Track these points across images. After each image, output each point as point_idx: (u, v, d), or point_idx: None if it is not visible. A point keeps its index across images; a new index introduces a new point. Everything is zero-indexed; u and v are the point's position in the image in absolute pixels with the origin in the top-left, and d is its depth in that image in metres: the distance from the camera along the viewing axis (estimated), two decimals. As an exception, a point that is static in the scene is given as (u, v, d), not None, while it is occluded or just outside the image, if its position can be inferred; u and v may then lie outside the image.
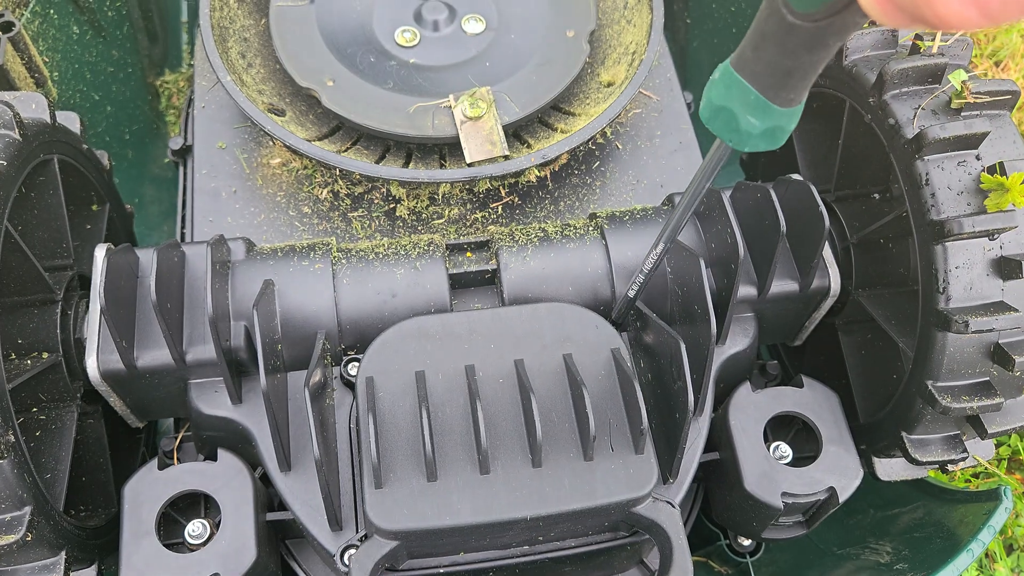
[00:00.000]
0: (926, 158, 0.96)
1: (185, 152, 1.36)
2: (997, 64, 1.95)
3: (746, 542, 1.26)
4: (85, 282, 1.13)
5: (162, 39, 1.66)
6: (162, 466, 1.01)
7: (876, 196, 1.17)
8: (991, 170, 0.94)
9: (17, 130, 0.95)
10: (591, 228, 1.10)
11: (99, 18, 1.43)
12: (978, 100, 0.97)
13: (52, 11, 1.32)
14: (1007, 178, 0.92)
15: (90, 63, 1.42)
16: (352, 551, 0.94)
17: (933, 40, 1.04)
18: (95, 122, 1.43)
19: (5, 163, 0.91)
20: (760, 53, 0.53)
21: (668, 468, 0.97)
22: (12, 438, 0.85)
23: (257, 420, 1.01)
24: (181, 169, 1.36)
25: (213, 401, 1.02)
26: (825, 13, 0.46)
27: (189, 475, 1.00)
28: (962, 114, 0.97)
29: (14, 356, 1.00)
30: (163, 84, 1.63)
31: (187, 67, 1.68)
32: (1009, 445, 1.50)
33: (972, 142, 0.95)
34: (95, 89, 1.43)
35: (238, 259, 1.05)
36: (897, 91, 1.00)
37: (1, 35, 1.15)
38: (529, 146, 1.18)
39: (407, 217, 1.17)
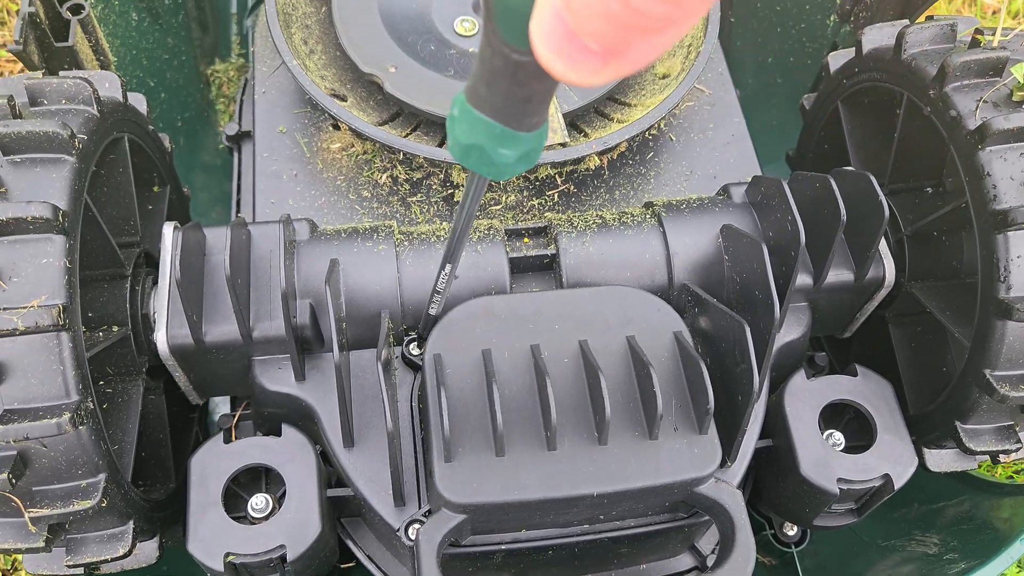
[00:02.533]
0: (988, 149, 0.97)
1: (240, 138, 1.38)
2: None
3: (791, 531, 1.27)
4: (151, 260, 1.15)
5: (213, 29, 1.68)
6: (227, 440, 1.02)
7: (929, 190, 1.18)
8: (1054, 162, 0.95)
9: (96, 106, 0.97)
10: (648, 216, 1.11)
11: (157, 6, 1.46)
12: (1041, 93, 0.98)
13: (115, -2, 1.35)
14: (1070, 169, 0.93)
15: (147, 49, 1.44)
16: (416, 525, 0.96)
17: (993, 35, 1.05)
18: (150, 108, 1.45)
19: (86, 138, 0.93)
20: (494, 89, 0.52)
21: (727, 451, 0.99)
22: (91, 405, 0.87)
23: (320, 397, 1.03)
24: (236, 155, 1.38)
25: (277, 378, 1.04)
26: None
27: (255, 449, 1.01)
28: (1024, 106, 0.99)
29: (84, 329, 1.02)
30: (213, 73, 1.65)
31: (236, 57, 1.70)
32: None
33: (1036, 134, 0.96)
34: (151, 75, 1.45)
35: (303, 239, 1.07)
36: (959, 83, 1.01)
37: (71, 16, 1.17)
38: (586, 135, 1.20)
39: (465, 203, 1.18)
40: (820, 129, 1.34)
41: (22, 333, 0.81)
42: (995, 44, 1.04)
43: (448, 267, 0.89)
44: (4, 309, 0.82)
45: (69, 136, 0.89)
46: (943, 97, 1.02)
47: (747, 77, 1.69)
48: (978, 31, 1.06)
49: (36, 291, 0.84)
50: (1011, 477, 1.46)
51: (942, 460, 1.13)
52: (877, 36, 1.17)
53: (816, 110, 1.34)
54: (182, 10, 1.54)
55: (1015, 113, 0.97)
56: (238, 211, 1.34)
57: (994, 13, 2.05)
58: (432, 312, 0.98)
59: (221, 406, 1.45)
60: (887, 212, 1.01)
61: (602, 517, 0.96)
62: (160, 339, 0.99)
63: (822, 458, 1.04)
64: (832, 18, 1.44)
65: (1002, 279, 0.96)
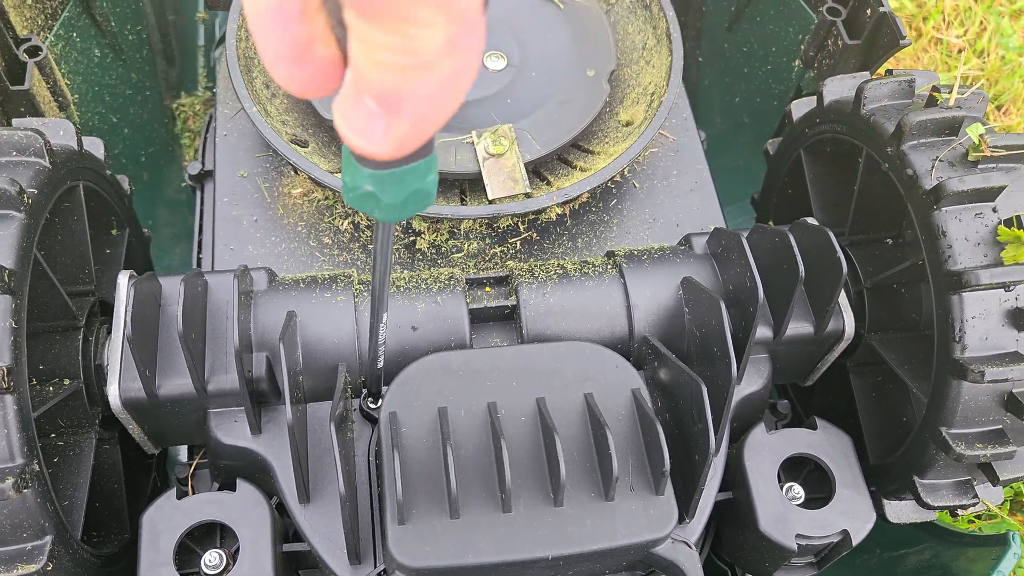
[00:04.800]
0: (944, 209, 0.98)
1: (203, 177, 1.36)
2: (999, 108, 1.99)
3: (753, 581, 1.27)
4: (106, 308, 1.13)
5: (179, 62, 1.67)
6: (180, 495, 1.01)
7: (889, 241, 1.19)
8: (1008, 223, 0.96)
9: (48, 158, 0.96)
10: (609, 266, 1.11)
11: (120, 41, 1.44)
12: (995, 153, 0.99)
13: (75, 34, 1.33)
14: (1022, 232, 0.94)
15: (109, 86, 1.42)
16: (371, 586, 0.95)
17: (950, 92, 1.06)
18: (112, 144, 1.44)
19: (36, 191, 0.92)
20: None
21: (684, 508, 0.98)
22: (37, 467, 0.85)
23: (276, 451, 1.02)
24: (198, 194, 1.36)
25: (232, 431, 1.03)
26: None
27: (208, 505, 1.00)
28: (979, 167, 0.99)
29: (35, 382, 1.00)
30: (179, 107, 1.63)
31: (203, 90, 1.69)
32: (1012, 487, 1.51)
33: (990, 195, 0.97)
34: (113, 112, 1.44)
35: (260, 289, 1.06)
36: (915, 142, 1.02)
37: (28, 59, 1.16)
38: (549, 183, 1.19)
39: (427, 250, 1.18)
40: (784, 175, 1.35)
41: (-36, 397, 0.80)
42: (952, 102, 1.04)
43: (383, 317, 0.88)
44: (-54, 373, 0.80)
45: (17, 192, 0.88)
46: (900, 155, 1.03)
47: (714, 116, 1.70)
48: (935, 88, 1.07)
49: (-21, 353, 0.82)
50: (972, 522, 1.47)
51: (901, 512, 1.14)
52: (838, 88, 1.18)
53: (779, 156, 1.35)
54: (146, 45, 1.52)
55: (970, 175, 0.97)
56: (199, 251, 1.33)
57: (959, 52, 2.07)
58: (379, 367, 0.97)
59: (182, 449, 1.43)
60: (845, 269, 1.01)
61: (558, 577, 0.96)
62: (112, 393, 0.97)
63: (781, 514, 1.04)
64: (797, 63, 1.45)
65: (957, 339, 0.97)
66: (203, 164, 1.37)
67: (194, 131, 1.62)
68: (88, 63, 1.37)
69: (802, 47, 1.43)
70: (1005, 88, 1.98)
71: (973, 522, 1.50)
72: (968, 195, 0.97)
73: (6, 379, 0.81)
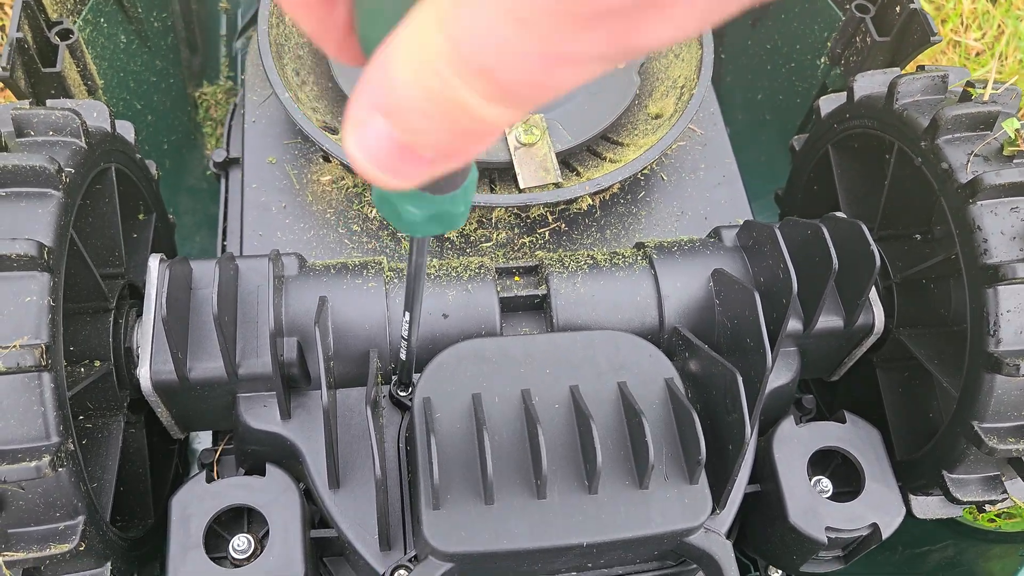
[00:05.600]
0: (979, 203, 0.98)
1: (227, 165, 1.36)
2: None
3: (776, 574, 1.27)
4: (134, 291, 1.13)
5: (202, 50, 1.67)
6: (209, 479, 1.00)
7: (918, 237, 1.19)
8: (1044, 217, 0.96)
9: (84, 138, 0.96)
10: (640, 257, 1.11)
11: (146, 28, 1.44)
12: (1031, 148, 0.99)
13: (103, 20, 1.33)
14: (1060, 226, 0.94)
15: (135, 72, 1.42)
16: (403, 571, 0.94)
17: (984, 88, 1.06)
18: (136, 131, 1.43)
19: (73, 171, 0.92)
20: None
21: (716, 498, 0.98)
22: (72, 446, 0.85)
23: (305, 436, 1.01)
24: (223, 182, 1.36)
25: (262, 415, 1.02)
26: None
27: (237, 489, 0.99)
28: (1015, 161, 0.99)
29: (67, 363, 0.99)
30: (201, 96, 1.63)
31: (224, 79, 1.68)
32: (1030, 487, 1.51)
33: (1025, 189, 0.97)
34: (138, 98, 1.43)
35: (291, 274, 1.06)
36: (950, 136, 1.02)
37: (60, 42, 1.15)
38: (579, 174, 1.19)
39: (455, 239, 1.17)
40: (810, 171, 1.35)
41: (3, 373, 0.79)
42: (986, 97, 1.04)
43: (408, 315, 0.87)
44: (-15, 348, 0.80)
45: (56, 170, 0.87)
46: (934, 149, 1.03)
47: (736, 113, 1.70)
48: (969, 83, 1.07)
49: (19, 330, 0.81)
50: (992, 520, 1.46)
51: (928, 507, 1.13)
52: (868, 83, 1.18)
53: (806, 152, 1.35)
54: (171, 32, 1.52)
55: (1006, 168, 0.97)
56: (224, 239, 1.32)
57: (977, 55, 2.07)
58: (403, 357, 0.96)
59: (202, 436, 1.43)
60: (878, 262, 1.01)
61: (590, 565, 0.95)
62: (143, 375, 0.97)
63: (810, 506, 1.03)
64: (823, 60, 1.45)
65: (991, 332, 0.97)
66: (228, 152, 1.37)
67: (216, 120, 1.62)
68: (115, 49, 1.36)
69: (828, 44, 1.43)
70: None
71: (994, 520, 1.49)
72: (1004, 189, 0.96)
73: (44, 356, 0.81)
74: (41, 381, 0.81)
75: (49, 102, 1.02)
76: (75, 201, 0.92)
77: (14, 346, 0.80)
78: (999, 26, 2.10)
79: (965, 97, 1.06)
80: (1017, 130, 0.99)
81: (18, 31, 1.07)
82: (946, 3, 2.11)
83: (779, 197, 1.47)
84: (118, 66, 1.38)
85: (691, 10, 0.31)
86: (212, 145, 1.61)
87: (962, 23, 2.09)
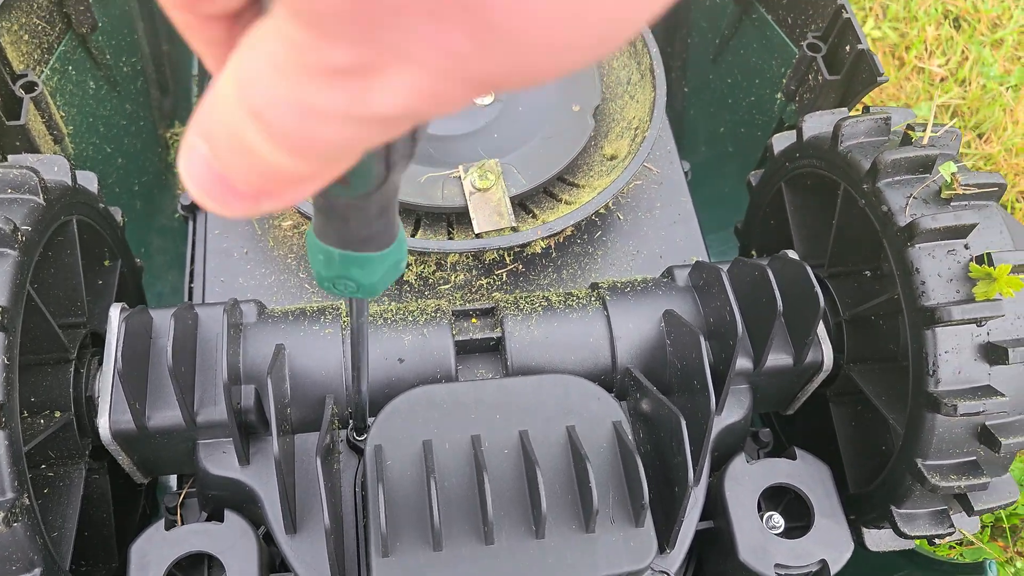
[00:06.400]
0: (917, 246, 1.00)
1: (195, 208, 1.38)
2: (980, 136, 2.02)
3: (736, 607, 1.28)
4: (97, 339, 1.15)
5: (173, 91, 1.69)
6: (168, 526, 1.02)
7: (868, 273, 1.22)
8: (979, 260, 0.98)
9: (42, 195, 0.98)
10: (593, 298, 1.13)
11: (115, 73, 1.46)
12: (967, 191, 1.01)
13: (71, 67, 1.35)
14: (995, 268, 0.96)
15: (104, 117, 1.45)
16: (356, 616, 0.96)
17: (925, 130, 1.09)
18: (106, 174, 1.46)
19: (30, 229, 0.94)
20: (338, 226, 0.52)
21: (665, 538, 1.00)
22: (27, 500, 0.86)
23: (264, 481, 1.03)
24: (191, 224, 1.38)
25: (221, 462, 1.04)
26: (376, 186, 0.46)
27: (196, 536, 1.01)
28: (952, 204, 1.02)
29: (27, 415, 1.02)
30: (172, 136, 1.66)
31: (196, 119, 1.71)
32: (992, 512, 1.53)
33: (961, 232, 0.99)
34: (108, 142, 1.46)
35: (250, 321, 1.08)
36: (890, 179, 1.05)
37: (24, 95, 1.18)
38: (535, 216, 1.22)
39: (414, 282, 1.20)
40: (766, 206, 1.37)
41: (-45, 434, 0.81)
42: (926, 140, 1.07)
43: (356, 372, 0.89)
44: (-62, 409, 0.82)
45: (11, 230, 0.90)
46: (876, 192, 1.05)
47: (700, 145, 1.72)
48: (909, 127, 1.10)
49: (-28, 390, 0.84)
50: (953, 547, 1.48)
51: (880, 540, 1.15)
52: (816, 124, 1.21)
53: (761, 188, 1.38)
54: (141, 76, 1.55)
55: (943, 212, 1.00)
56: (191, 281, 1.34)
57: (942, 80, 2.11)
58: (361, 394, 0.98)
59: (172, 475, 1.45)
60: (822, 304, 1.04)
61: (540, 608, 0.97)
62: (103, 425, 0.99)
63: (760, 544, 1.05)
64: (780, 95, 1.48)
65: (931, 373, 0.99)
66: (195, 194, 1.39)
67: (187, 160, 1.64)
68: (83, 95, 1.39)
69: (784, 80, 1.46)
70: (986, 117, 2.02)
71: (954, 548, 1.51)
72: (940, 232, 0.99)
73: (-2, 415, 0.83)
74: (-5, 440, 0.83)
75: (10, 158, 1.04)
76: (32, 259, 0.94)
77: (-33, 406, 0.82)
78: (963, 51, 2.13)
79: (906, 140, 1.09)
80: (954, 174, 1.02)
81: (-19, 87, 1.10)
82: (910, 30, 2.14)
83: (739, 230, 1.49)
84: (87, 112, 1.40)
85: (420, 76, 0.30)
86: (183, 185, 1.63)
87: (926, 49, 2.13)
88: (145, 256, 1.49)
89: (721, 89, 1.65)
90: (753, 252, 1.45)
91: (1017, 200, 1.92)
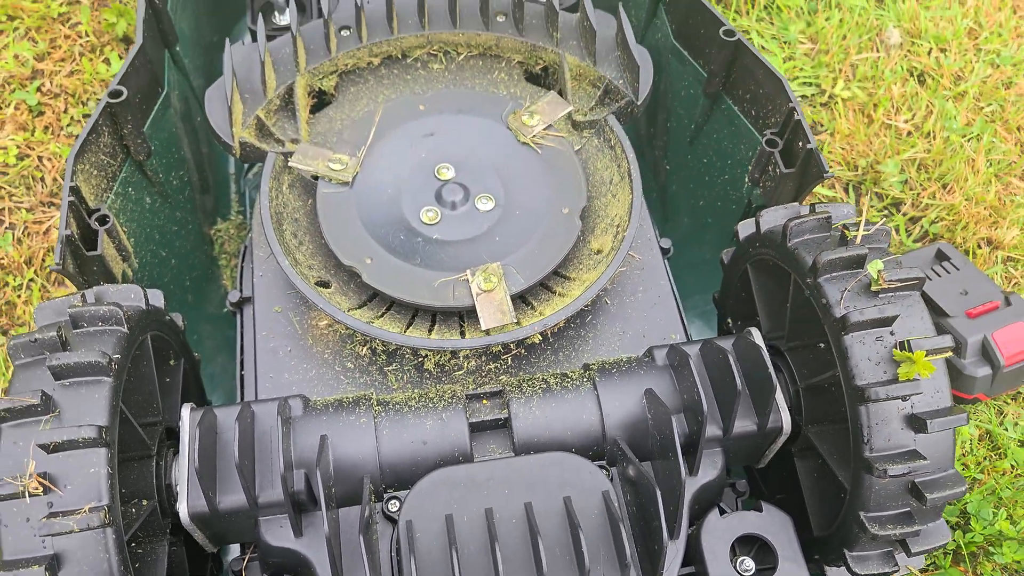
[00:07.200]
0: (850, 334, 1.20)
1: (241, 304, 1.60)
2: (944, 187, 2.20)
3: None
4: (170, 432, 1.37)
5: (213, 190, 1.92)
6: (237, 589, 1.24)
7: (822, 345, 1.41)
8: (901, 345, 1.18)
9: (125, 324, 1.20)
10: (585, 379, 1.34)
11: (166, 188, 1.69)
12: (891, 285, 1.21)
13: (131, 189, 1.58)
14: (913, 353, 1.16)
15: (159, 226, 1.67)
16: (397, 663, 1.17)
17: (858, 228, 1.29)
18: (162, 275, 1.68)
19: (119, 356, 1.16)
20: None
21: (652, 586, 1.20)
22: (130, 580, 1.08)
23: (315, 550, 1.24)
24: (238, 317, 1.60)
25: (278, 534, 1.25)
26: None
27: (261, 599, 1.23)
28: (880, 296, 1.22)
29: (121, 505, 1.23)
30: (216, 232, 1.88)
31: (235, 215, 1.94)
32: (954, 539, 1.72)
33: (887, 322, 1.19)
34: (162, 247, 1.68)
35: (297, 415, 1.29)
36: (828, 276, 1.24)
37: (99, 227, 1.40)
38: (533, 307, 1.43)
39: (432, 369, 1.41)
40: (736, 281, 1.57)
41: (78, 532, 1.03)
42: (859, 240, 1.27)
43: None
44: (62, 514, 1.04)
45: (107, 362, 1.12)
46: (816, 286, 1.25)
47: (682, 216, 1.93)
48: (845, 226, 1.29)
49: (86, 496, 1.05)
50: (924, 570, 1.67)
51: (841, 576, 1.35)
52: (772, 218, 1.41)
53: (732, 266, 1.58)
54: (188, 186, 1.77)
55: (870, 306, 1.19)
56: (242, 368, 1.56)
57: (908, 134, 2.29)
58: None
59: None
60: (775, 383, 1.23)
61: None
62: (183, 510, 1.21)
63: (732, 587, 1.25)
64: (747, 178, 1.68)
65: (865, 441, 1.18)
66: (241, 292, 1.61)
67: (230, 253, 1.86)
68: (141, 211, 1.61)
69: (749, 167, 1.66)
70: (949, 168, 2.20)
71: (925, 571, 1.70)
72: (868, 323, 1.19)
73: (107, 515, 1.05)
74: (106, 535, 1.05)
75: (95, 291, 1.26)
76: (122, 381, 1.16)
77: (84, 510, 1.04)
78: (927, 106, 2.32)
79: (842, 240, 1.28)
80: (880, 271, 1.22)
81: (66, 228, 1.32)
82: (877, 89, 2.33)
83: (716, 300, 1.69)
84: (144, 224, 1.63)
85: None
86: (227, 275, 1.86)
87: (893, 106, 2.32)
88: (197, 342, 1.71)
89: (698, 168, 1.85)
90: (728, 320, 1.65)
91: (978, 246, 2.10)
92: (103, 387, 1.12)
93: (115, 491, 1.09)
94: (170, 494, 1.29)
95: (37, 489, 1.05)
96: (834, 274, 1.25)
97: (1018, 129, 2.30)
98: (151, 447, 1.28)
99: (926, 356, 1.16)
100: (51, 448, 1.06)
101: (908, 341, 1.17)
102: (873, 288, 1.22)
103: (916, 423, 1.17)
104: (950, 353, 1.19)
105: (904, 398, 1.18)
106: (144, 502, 1.24)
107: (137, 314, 1.26)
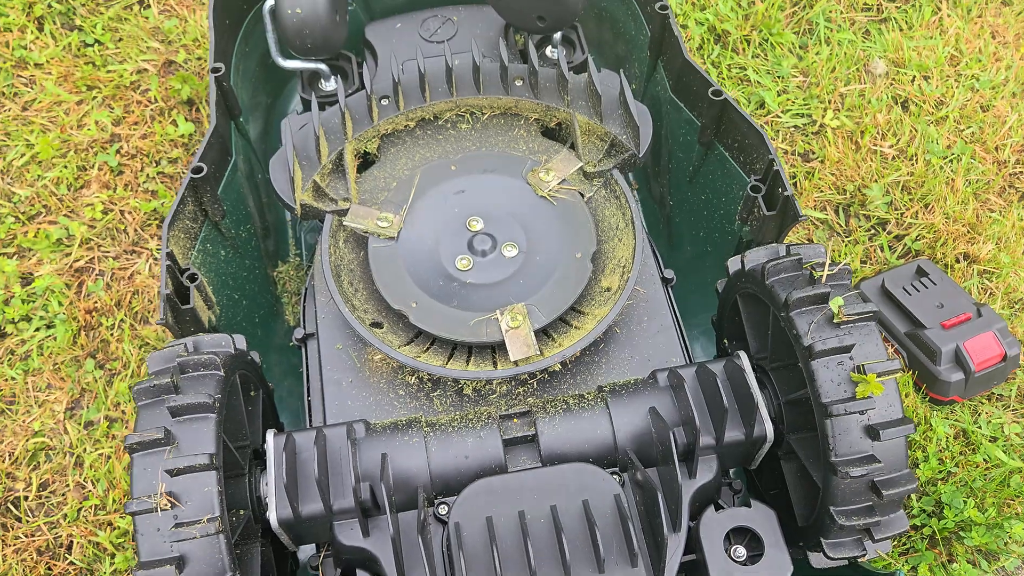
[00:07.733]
0: (816, 360, 1.45)
1: (306, 339, 1.88)
2: (926, 207, 2.42)
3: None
4: (256, 453, 1.65)
5: (274, 235, 2.20)
6: (317, 581, 1.52)
7: (800, 365, 1.66)
8: (858, 369, 1.43)
9: (222, 369, 1.48)
10: (599, 400, 1.60)
11: (237, 240, 1.97)
12: (850, 318, 1.46)
13: (209, 245, 1.86)
14: (867, 375, 1.41)
15: (231, 274, 1.96)
16: (451, 637, 1.44)
17: (823, 268, 1.53)
18: (236, 314, 1.96)
19: (220, 396, 1.44)
20: None
21: (659, 573, 1.46)
22: (239, 575, 1.36)
23: (381, 547, 1.52)
24: (303, 350, 1.88)
25: (350, 535, 1.53)
26: None
27: (339, 589, 1.51)
28: (840, 328, 1.46)
29: (222, 514, 1.51)
30: (278, 274, 2.17)
31: (293, 257, 2.22)
32: (930, 526, 1.96)
33: (846, 350, 1.44)
34: (235, 291, 1.97)
35: (361, 436, 1.57)
36: (797, 311, 1.49)
37: (190, 284, 1.69)
38: (553, 339, 1.69)
39: (471, 394, 1.68)
40: (729, 308, 1.82)
41: (201, 538, 1.32)
42: (824, 279, 1.51)
43: None
44: (185, 524, 1.32)
45: (212, 402, 1.40)
46: (789, 319, 1.50)
47: (685, 245, 2.18)
48: (812, 267, 1.54)
49: (203, 509, 1.34)
50: (904, 553, 1.91)
51: (820, 560, 1.60)
52: (754, 258, 1.65)
53: (725, 295, 1.83)
54: (254, 237, 2.06)
55: (832, 337, 1.44)
56: (308, 394, 1.84)
57: (893, 159, 2.51)
58: None
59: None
60: (758, 399, 1.49)
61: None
62: (273, 518, 1.49)
63: (725, 570, 1.51)
64: (738, 217, 1.93)
65: (831, 448, 1.43)
66: (304, 328, 1.89)
67: (291, 292, 2.14)
68: (218, 263, 1.90)
69: (739, 207, 1.90)
70: (930, 189, 2.42)
71: (907, 552, 1.94)
72: (831, 351, 1.43)
73: (220, 524, 1.33)
74: (219, 540, 1.33)
75: (193, 341, 1.54)
76: (222, 416, 1.44)
77: (203, 520, 1.32)
78: (911, 131, 2.54)
79: (810, 279, 1.53)
80: (840, 307, 1.46)
81: (167, 288, 1.61)
82: (864, 117, 2.55)
83: (713, 322, 1.94)
84: (220, 273, 1.91)
85: None
86: (289, 311, 2.14)
87: (879, 132, 2.54)
88: (266, 370, 1.99)
89: (697, 203, 2.10)
90: (725, 340, 1.90)
91: (956, 260, 2.33)
92: (210, 422, 1.40)
93: (223, 505, 1.37)
94: (260, 504, 1.57)
95: (166, 506, 1.33)
96: (803, 309, 1.50)
97: (996, 149, 2.51)
98: (243, 466, 1.56)
99: (877, 377, 1.41)
100: (174, 472, 1.34)
101: (863, 365, 1.42)
102: (835, 321, 1.47)
103: (872, 432, 1.42)
104: (899, 374, 1.44)
105: (862, 412, 1.42)
106: (241, 512, 1.53)
107: (229, 358, 1.54)
